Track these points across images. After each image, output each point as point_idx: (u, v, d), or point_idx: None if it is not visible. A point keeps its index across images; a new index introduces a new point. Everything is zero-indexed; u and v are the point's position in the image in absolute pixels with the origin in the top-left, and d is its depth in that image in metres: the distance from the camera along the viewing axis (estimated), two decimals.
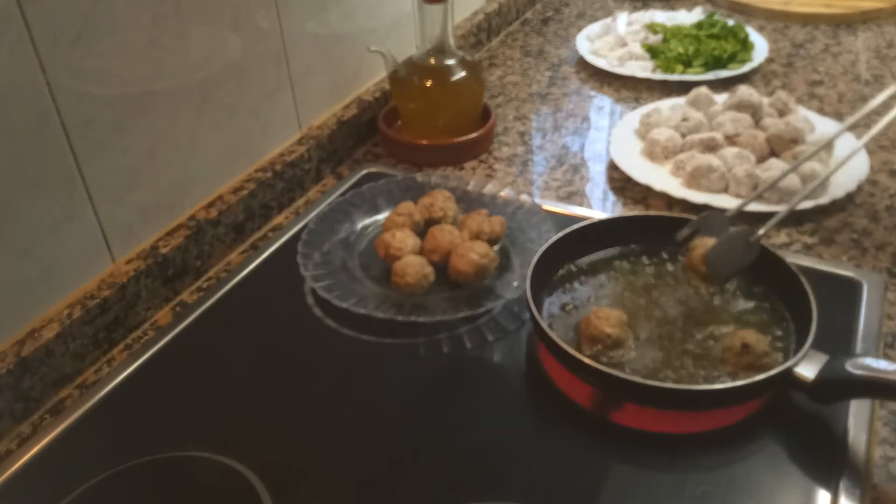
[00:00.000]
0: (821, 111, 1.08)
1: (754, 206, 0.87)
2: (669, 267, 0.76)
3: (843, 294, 0.75)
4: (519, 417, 0.66)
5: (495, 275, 0.78)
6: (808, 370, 0.60)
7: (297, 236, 0.84)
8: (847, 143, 0.97)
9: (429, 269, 0.76)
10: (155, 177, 0.79)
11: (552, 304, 0.72)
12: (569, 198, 0.95)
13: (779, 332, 0.67)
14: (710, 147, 0.96)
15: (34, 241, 0.69)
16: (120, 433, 0.66)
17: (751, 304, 0.71)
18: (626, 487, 0.59)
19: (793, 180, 0.87)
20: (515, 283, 0.75)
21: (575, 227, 0.76)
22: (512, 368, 0.72)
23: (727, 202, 0.88)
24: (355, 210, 0.88)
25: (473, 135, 1.04)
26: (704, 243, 0.71)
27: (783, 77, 1.23)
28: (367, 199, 0.89)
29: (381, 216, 0.87)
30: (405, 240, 0.77)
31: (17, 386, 0.66)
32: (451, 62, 1.02)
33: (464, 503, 0.57)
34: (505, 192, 0.89)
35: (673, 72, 1.23)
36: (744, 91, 1.02)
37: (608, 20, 1.41)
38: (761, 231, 0.68)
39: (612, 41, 1.33)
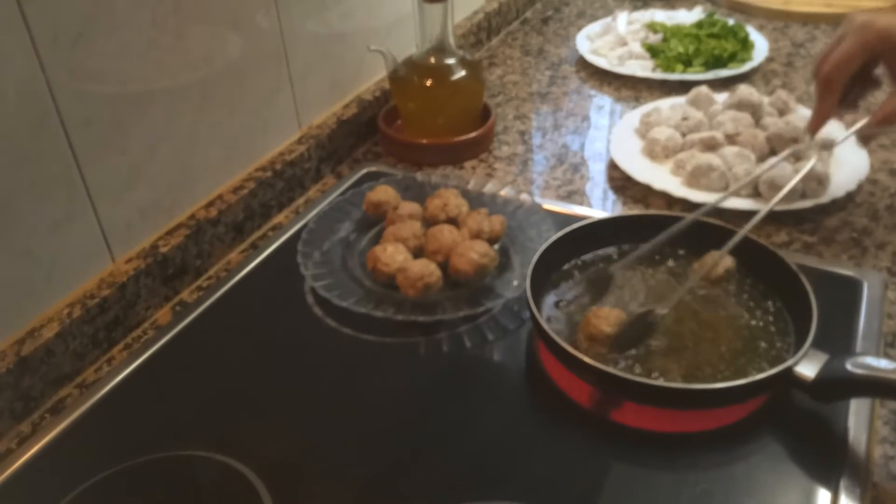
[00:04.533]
0: None
1: (751, 206, 0.87)
2: (670, 265, 0.76)
3: (843, 293, 0.75)
4: (519, 417, 0.66)
5: (495, 274, 0.78)
6: (808, 369, 0.60)
7: (297, 235, 0.84)
8: (847, 141, 0.97)
9: (436, 276, 0.75)
10: (155, 176, 0.79)
11: (552, 302, 0.72)
12: (569, 197, 0.95)
13: (779, 331, 0.67)
14: (711, 146, 0.96)
15: (34, 241, 0.69)
16: (120, 432, 0.66)
17: (751, 304, 0.71)
18: (625, 486, 0.59)
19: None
20: (515, 283, 0.75)
21: (575, 226, 0.76)
22: (512, 367, 0.72)
23: (727, 201, 0.88)
24: (355, 209, 0.88)
25: (473, 134, 1.04)
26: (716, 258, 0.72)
27: (783, 76, 1.23)
28: None
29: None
30: (395, 255, 0.76)
31: (17, 385, 0.66)
32: (451, 61, 1.02)
33: (464, 503, 0.57)
34: (505, 191, 0.89)
35: (673, 71, 1.23)
36: (744, 90, 1.02)
37: (608, 19, 1.41)
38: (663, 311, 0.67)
39: (613, 40, 1.33)
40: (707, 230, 0.75)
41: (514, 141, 1.08)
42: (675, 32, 1.31)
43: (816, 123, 0.80)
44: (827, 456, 0.60)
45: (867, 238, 0.84)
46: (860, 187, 0.90)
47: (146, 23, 0.74)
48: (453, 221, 0.82)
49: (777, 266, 0.70)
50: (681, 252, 0.77)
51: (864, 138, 0.83)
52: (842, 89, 0.78)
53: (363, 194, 0.88)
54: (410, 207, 0.84)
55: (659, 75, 1.22)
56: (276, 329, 0.76)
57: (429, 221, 0.83)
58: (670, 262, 0.76)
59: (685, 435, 0.63)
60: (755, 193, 0.89)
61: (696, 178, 0.91)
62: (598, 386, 0.64)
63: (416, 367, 0.71)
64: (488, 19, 1.39)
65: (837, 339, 0.69)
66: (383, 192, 0.86)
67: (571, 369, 0.64)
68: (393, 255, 0.76)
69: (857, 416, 0.62)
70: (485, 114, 1.08)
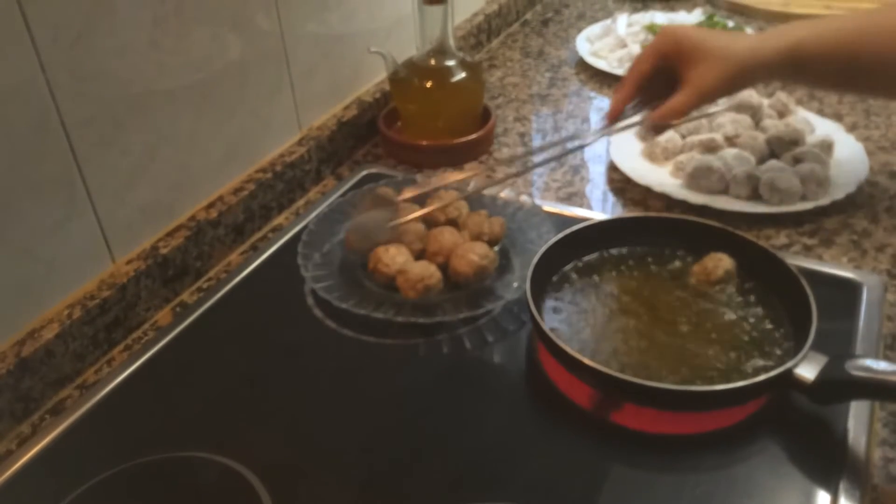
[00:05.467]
0: (820, 112, 1.08)
1: (751, 208, 0.87)
2: (669, 267, 0.76)
3: (842, 295, 0.75)
4: (519, 417, 0.66)
5: (495, 276, 0.78)
6: (807, 371, 0.60)
7: (297, 237, 0.84)
8: (847, 144, 0.97)
9: (437, 278, 0.75)
10: (155, 177, 0.80)
11: (552, 304, 0.72)
12: (569, 199, 0.95)
13: (779, 334, 0.67)
14: (710, 148, 0.96)
15: (34, 241, 0.69)
16: (120, 433, 0.66)
17: (750, 306, 0.71)
18: (625, 488, 0.59)
19: (792, 181, 0.87)
20: (515, 284, 0.75)
21: (575, 228, 0.76)
22: (512, 369, 0.72)
23: (727, 203, 0.89)
24: (355, 211, 0.88)
25: (473, 136, 1.04)
26: (716, 259, 0.72)
27: None
28: None
29: None
30: (396, 257, 0.76)
31: (17, 386, 0.66)
32: (451, 63, 1.02)
33: (464, 503, 0.57)
34: (505, 193, 0.89)
35: None
36: (743, 92, 1.02)
37: (608, 21, 1.41)
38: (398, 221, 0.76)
39: (612, 42, 1.34)
40: (707, 231, 0.76)
41: (514, 143, 1.08)
42: None
43: (610, 115, 0.86)
44: (826, 458, 0.60)
45: (867, 240, 0.84)
46: (860, 189, 0.90)
47: (147, 23, 0.74)
48: (453, 223, 0.82)
49: (777, 268, 0.70)
50: (679, 252, 0.77)
51: (655, 128, 0.90)
52: (633, 86, 0.84)
53: (364, 196, 0.88)
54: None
55: None
56: (277, 330, 0.76)
57: (429, 223, 0.82)
58: (669, 266, 0.76)
59: (685, 437, 0.63)
60: (755, 195, 0.89)
61: (695, 180, 0.91)
62: (598, 388, 0.64)
63: (416, 368, 0.71)
64: (488, 21, 1.39)
65: (837, 342, 0.69)
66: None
67: (571, 371, 0.64)
68: (394, 256, 0.76)
69: (857, 418, 0.62)
70: (485, 115, 1.08)
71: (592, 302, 0.72)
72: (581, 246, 0.77)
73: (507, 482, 0.59)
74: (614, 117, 0.85)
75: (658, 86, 0.83)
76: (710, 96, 0.80)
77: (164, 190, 0.81)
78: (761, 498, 0.57)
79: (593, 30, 1.40)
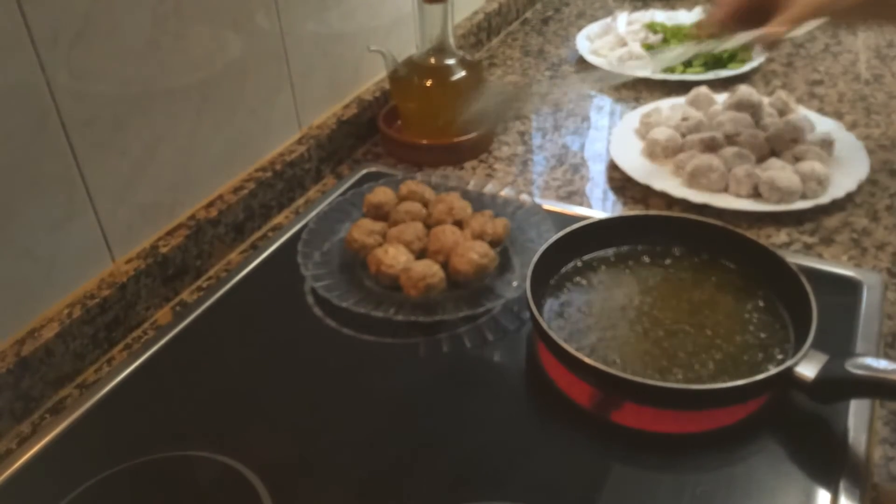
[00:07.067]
0: (821, 111, 1.08)
1: (751, 207, 0.87)
2: (669, 266, 0.76)
3: (843, 294, 0.75)
4: (519, 417, 0.66)
5: (495, 274, 0.78)
6: (808, 370, 0.60)
7: (297, 236, 0.84)
8: (847, 142, 0.97)
9: (439, 277, 0.75)
10: (155, 176, 0.79)
11: (552, 303, 0.72)
12: (569, 197, 0.95)
13: (779, 332, 0.67)
14: (710, 147, 0.96)
15: (34, 241, 0.69)
16: (120, 432, 0.66)
17: (751, 304, 0.71)
18: (625, 487, 0.59)
19: (792, 180, 0.87)
20: (515, 283, 0.75)
21: (575, 226, 0.76)
22: (512, 368, 0.72)
23: (727, 202, 0.88)
24: (355, 210, 0.88)
25: (473, 134, 1.04)
26: None
27: (783, 77, 1.23)
28: None
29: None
30: (398, 256, 0.76)
31: (17, 385, 0.66)
32: (451, 62, 1.02)
33: (464, 503, 0.57)
34: (505, 192, 0.89)
35: (673, 71, 1.23)
36: (744, 90, 1.02)
37: (608, 20, 1.41)
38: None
39: (612, 41, 1.33)
40: (707, 230, 0.75)
41: (514, 141, 1.08)
42: (674, 33, 1.31)
43: (711, 20, 0.86)
44: (827, 457, 0.60)
45: (867, 238, 0.84)
46: (860, 187, 0.90)
47: (146, 23, 0.74)
48: (458, 224, 0.81)
49: (777, 266, 0.70)
50: (679, 251, 0.77)
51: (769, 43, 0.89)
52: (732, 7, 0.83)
53: (363, 195, 0.88)
54: (410, 206, 0.84)
55: (659, 76, 1.22)
56: (277, 329, 0.76)
57: (434, 225, 0.82)
58: (669, 265, 0.76)
59: (685, 436, 0.63)
60: (755, 194, 0.89)
61: (695, 178, 0.91)
62: (598, 386, 0.64)
63: (416, 367, 0.71)
64: (488, 20, 1.39)
65: (837, 340, 0.69)
66: (382, 194, 0.86)
67: (571, 370, 0.64)
68: (396, 256, 0.76)
69: (857, 416, 0.62)
70: None
71: (592, 300, 0.72)
72: (581, 245, 0.77)
73: (507, 482, 0.59)
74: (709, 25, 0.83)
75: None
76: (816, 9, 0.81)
77: (164, 189, 0.81)
78: (761, 497, 0.57)
79: (593, 28, 1.39)
